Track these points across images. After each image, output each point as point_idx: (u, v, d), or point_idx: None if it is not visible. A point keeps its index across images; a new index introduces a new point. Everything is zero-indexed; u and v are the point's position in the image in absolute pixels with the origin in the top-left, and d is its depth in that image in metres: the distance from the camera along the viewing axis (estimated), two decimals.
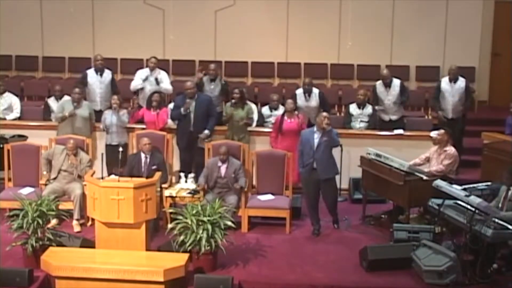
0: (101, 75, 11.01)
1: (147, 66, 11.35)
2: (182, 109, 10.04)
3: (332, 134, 8.83)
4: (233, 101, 10.44)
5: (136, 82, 11.10)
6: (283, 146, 9.96)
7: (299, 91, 10.87)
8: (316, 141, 8.85)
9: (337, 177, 9.31)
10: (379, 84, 10.92)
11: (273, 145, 10.19)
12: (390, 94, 10.79)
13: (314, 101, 10.76)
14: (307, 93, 10.78)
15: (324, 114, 8.94)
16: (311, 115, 10.65)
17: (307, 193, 9.12)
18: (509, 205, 7.86)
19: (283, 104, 10.61)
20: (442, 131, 9.32)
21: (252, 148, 10.19)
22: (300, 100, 10.73)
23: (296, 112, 10.25)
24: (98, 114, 10.66)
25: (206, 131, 10.06)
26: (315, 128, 8.94)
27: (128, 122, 10.35)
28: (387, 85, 10.81)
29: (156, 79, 10.95)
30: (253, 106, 10.89)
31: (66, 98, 10.57)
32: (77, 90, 10.34)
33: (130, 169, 9.06)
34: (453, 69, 10.94)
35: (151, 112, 10.36)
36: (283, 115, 10.23)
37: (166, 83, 11.12)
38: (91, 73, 11.05)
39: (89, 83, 10.98)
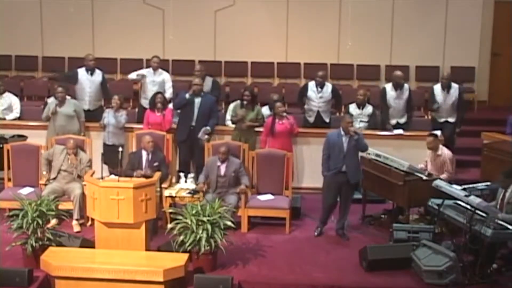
0: (91, 74, 10.97)
1: (148, 66, 11.33)
2: (187, 94, 10.03)
3: (361, 140, 8.78)
4: (244, 102, 10.44)
5: (132, 75, 11.16)
6: (274, 148, 9.94)
7: (312, 83, 10.90)
8: (345, 145, 8.74)
9: None
10: (389, 87, 10.83)
11: (263, 147, 10.17)
12: (399, 98, 10.72)
13: (327, 94, 10.80)
14: (320, 86, 10.80)
15: (349, 119, 8.84)
16: (322, 108, 10.76)
17: (327, 195, 8.92)
18: (507, 208, 7.84)
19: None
20: (430, 138, 9.31)
21: (258, 148, 10.21)
22: (312, 91, 10.78)
23: (285, 114, 10.21)
24: (87, 113, 10.64)
25: (207, 127, 10.04)
26: (342, 131, 8.79)
27: (125, 123, 10.32)
28: (398, 87, 10.72)
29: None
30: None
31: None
32: (60, 89, 10.29)
33: (131, 166, 9.09)
34: (445, 77, 10.87)
35: (156, 114, 10.33)
36: (274, 117, 10.21)
37: (168, 87, 11.10)
38: (81, 72, 10.99)
39: (79, 81, 10.94)
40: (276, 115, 10.17)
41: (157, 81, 11.06)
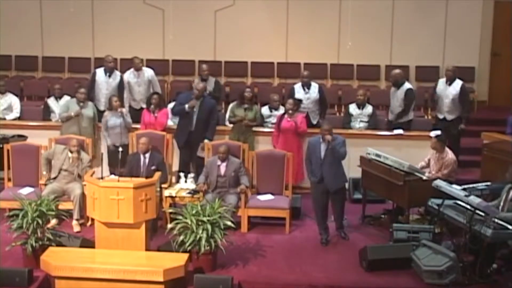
0: (109, 76, 10.93)
1: (128, 68, 11.26)
2: (187, 106, 10.02)
3: (336, 147, 8.54)
4: (245, 105, 10.43)
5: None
6: (281, 145, 9.98)
7: (297, 85, 10.83)
8: (322, 152, 8.61)
9: None
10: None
11: (275, 144, 10.20)
12: (396, 97, 10.69)
13: (314, 94, 10.70)
14: (306, 86, 10.72)
15: (326, 127, 8.64)
16: (311, 109, 10.65)
17: (315, 202, 8.84)
18: (509, 205, 7.83)
19: (283, 105, 10.64)
20: (434, 139, 9.28)
21: (257, 147, 10.22)
22: (299, 93, 10.70)
23: (291, 112, 10.20)
24: (101, 114, 10.61)
25: (206, 140, 10.03)
26: (321, 138, 8.64)
27: (132, 122, 10.33)
28: (396, 86, 10.67)
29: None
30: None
31: (68, 97, 10.54)
32: (82, 90, 10.31)
33: (130, 168, 9.07)
34: (449, 70, 10.80)
35: (150, 114, 10.32)
36: (284, 113, 10.23)
37: (156, 85, 11.11)
38: (99, 72, 10.99)
39: (97, 82, 10.93)
40: (287, 112, 10.18)
41: (141, 81, 11.03)
